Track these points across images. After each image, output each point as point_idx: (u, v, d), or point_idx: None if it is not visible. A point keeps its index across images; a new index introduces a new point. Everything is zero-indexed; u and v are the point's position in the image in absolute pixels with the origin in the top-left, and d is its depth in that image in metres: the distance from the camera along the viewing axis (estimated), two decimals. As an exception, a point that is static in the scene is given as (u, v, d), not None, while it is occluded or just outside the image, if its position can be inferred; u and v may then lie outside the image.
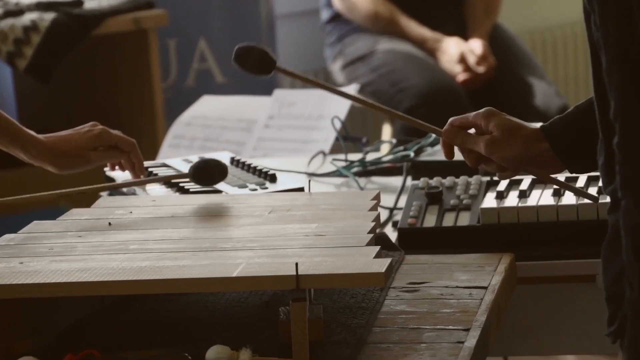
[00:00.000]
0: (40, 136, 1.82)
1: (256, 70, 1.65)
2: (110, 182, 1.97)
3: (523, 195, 1.78)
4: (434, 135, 2.18)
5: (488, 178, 1.86)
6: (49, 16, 3.14)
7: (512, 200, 1.78)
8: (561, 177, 1.75)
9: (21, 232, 1.64)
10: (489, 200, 1.79)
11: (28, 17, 3.15)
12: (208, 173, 1.82)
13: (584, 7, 1.39)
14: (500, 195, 1.79)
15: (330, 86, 1.73)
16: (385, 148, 2.31)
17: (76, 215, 1.72)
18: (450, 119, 1.64)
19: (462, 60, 3.51)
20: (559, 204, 1.75)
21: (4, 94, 3.42)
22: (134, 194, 1.91)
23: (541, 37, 4.33)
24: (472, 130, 1.63)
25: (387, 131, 3.59)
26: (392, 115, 1.68)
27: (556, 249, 1.72)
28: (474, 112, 1.63)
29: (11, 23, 3.11)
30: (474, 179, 1.85)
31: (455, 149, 1.64)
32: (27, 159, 1.83)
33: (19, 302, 1.43)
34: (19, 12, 3.16)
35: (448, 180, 1.85)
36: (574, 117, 1.59)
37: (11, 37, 3.10)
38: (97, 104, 3.41)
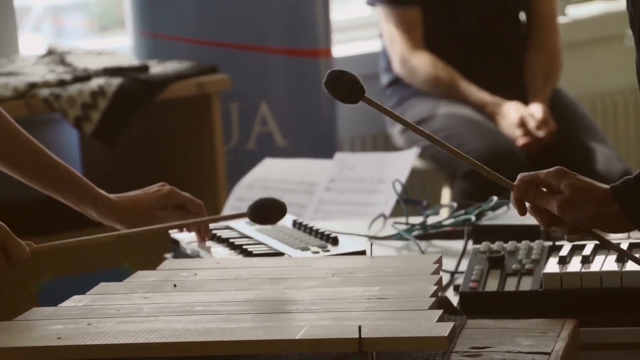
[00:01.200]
0: (110, 195, 1.86)
1: (345, 98, 1.69)
2: (175, 243, 1.99)
3: (586, 260, 1.77)
4: (495, 199, 2.19)
5: (550, 243, 1.85)
6: (116, 81, 3.20)
7: (575, 265, 1.77)
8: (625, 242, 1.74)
9: (89, 293, 1.66)
10: (552, 265, 1.78)
11: (95, 83, 3.21)
12: (266, 211, 1.84)
13: (637, 68, 1.40)
14: (563, 261, 1.78)
15: (411, 123, 1.75)
16: (445, 212, 2.31)
17: (142, 277, 1.74)
18: (520, 175, 1.64)
19: (522, 124, 3.51)
20: (623, 270, 1.74)
21: (71, 157, 3.48)
22: (198, 256, 1.93)
23: (602, 102, 4.32)
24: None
25: (446, 195, 3.59)
26: (468, 162, 1.66)
27: (620, 315, 1.71)
28: (545, 170, 1.63)
29: (79, 88, 3.17)
30: (536, 244, 1.85)
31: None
32: (98, 218, 1.86)
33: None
34: (86, 77, 3.22)
35: (510, 245, 1.85)
36: None
37: (79, 101, 3.16)
38: (161, 167, 3.45)
